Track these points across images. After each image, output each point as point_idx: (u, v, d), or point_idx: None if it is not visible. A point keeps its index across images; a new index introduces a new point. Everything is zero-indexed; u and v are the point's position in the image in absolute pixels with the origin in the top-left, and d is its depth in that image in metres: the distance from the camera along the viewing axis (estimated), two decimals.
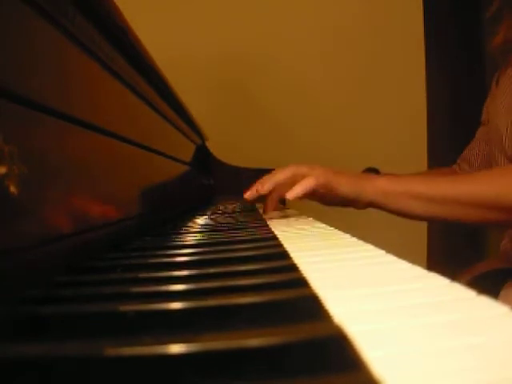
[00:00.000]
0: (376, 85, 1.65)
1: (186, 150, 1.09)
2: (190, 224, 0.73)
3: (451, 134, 1.63)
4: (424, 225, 1.63)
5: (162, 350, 0.18)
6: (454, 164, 1.00)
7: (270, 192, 0.75)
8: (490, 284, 0.73)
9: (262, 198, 0.78)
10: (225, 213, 0.92)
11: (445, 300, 0.23)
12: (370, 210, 0.74)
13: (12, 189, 0.28)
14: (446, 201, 0.66)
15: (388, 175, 0.84)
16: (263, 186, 0.72)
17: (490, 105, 0.87)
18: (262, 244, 0.46)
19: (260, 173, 1.33)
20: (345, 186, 0.69)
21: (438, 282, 0.27)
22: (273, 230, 0.58)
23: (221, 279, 0.31)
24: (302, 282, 0.29)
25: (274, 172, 0.75)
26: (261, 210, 0.90)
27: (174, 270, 0.34)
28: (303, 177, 0.70)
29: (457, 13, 1.68)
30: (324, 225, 0.64)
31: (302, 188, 0.68)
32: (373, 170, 0.97)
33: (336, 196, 0.70)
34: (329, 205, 0.75)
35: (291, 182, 0.71)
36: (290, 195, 0.68)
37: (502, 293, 0.71)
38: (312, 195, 0.72)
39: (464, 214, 0.66)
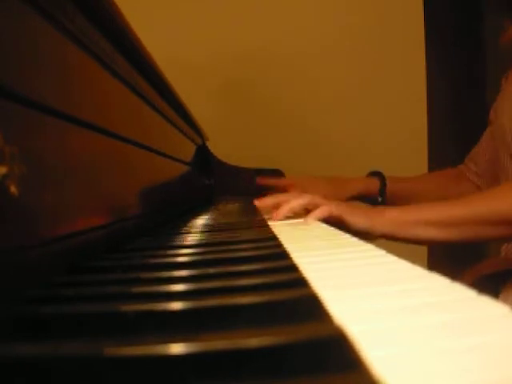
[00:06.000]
0: (376, 85, 1.65)
1: (187, 150, 1.09)
2: (190, 224, 0.73)
3: (451, 134, 1.63)
4: None
5: (162, 350, 0.18)
6: (461, 164, 0.99)
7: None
8: (491, 286, 0.73)
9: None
10: (225, 213, 0.92)
11: (445, 300, 0.23)
12: None
13: (12, 189, 0.28)
14: (457, 223, 0.67)
15: (397, 207, 0.85)
16: (279, 215, 0.73)
17: (498, 104, 0.86)
18: (263, 244, 0.46)
19: (260, 173, 1.34)
20: (357, 219, 0.70)
21: (439, 282, 0.27)
22: (273, 230, 0.58)
23: (221, 279, 0.31)
24: (303, 282, 0.29)
25: (289, 196, 0.76)
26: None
27: (175, 270, 0.34)
28: (316, 206, 0.70)
29: (457, 12, 1.68)
30: (324, 225, 0.64)
31: (316, 217, 0.70)
32: (377, 174, 0.97)
33: (349, 229, 0.71)
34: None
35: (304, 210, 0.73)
36: (304, 223, 0.69)
37: (502, 293, 0.71)
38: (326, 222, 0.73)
39: (476, 234, 0.66)
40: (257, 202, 0.77)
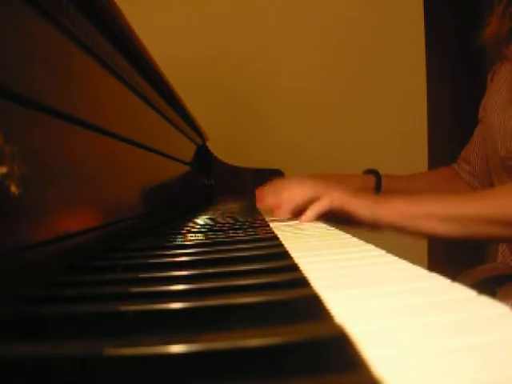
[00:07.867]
0: (376, 85, 1.65)
1: (187, 150, 1.09)
2: (190, 224, 0.73)
3: (451, 134, 1.63)
4: None
5: (162, 350, 0.18)
6: (454, 163, 0.99)
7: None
8: (487, 290, 0.73)
9: None
10: (225, 212, 0.92)
11: (446, 300, 0.23)
12: None
13: (13, 189, 0.28)
14: (464, 220, 0.65)
15: (403, 196, 0.83)
16: (282, 213, 0.72)
17: (486, 102, 0.86)
18: (263, 244, 0.46)
19: (260, 173, 1.34)
20: (362, 209, 0.68)
21: (439, 282, 0.27)
22: (273, 230, 0.58)
23: (221, 279, 0.30)
24: (303, 282, 0.29)
25: (290, 191, 0.74)
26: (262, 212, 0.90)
27: (175, 270, 0.34)
28: (318, 199, 0.69)
29: (457, 13, 1.68)
30: (325, 225, 0.64)
31: (316, 212, 0.68)
32: (372, 172, 0.97)
33: (353, 219, 0.69)
34: (344, 226, 0.75)
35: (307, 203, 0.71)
36: (304, 220, 0.68)
37: (498, 295, 0.71)
38: (328, 217, 0.71)
39: (480, 232, 0.65)
40: (259, 203, 0.76)
